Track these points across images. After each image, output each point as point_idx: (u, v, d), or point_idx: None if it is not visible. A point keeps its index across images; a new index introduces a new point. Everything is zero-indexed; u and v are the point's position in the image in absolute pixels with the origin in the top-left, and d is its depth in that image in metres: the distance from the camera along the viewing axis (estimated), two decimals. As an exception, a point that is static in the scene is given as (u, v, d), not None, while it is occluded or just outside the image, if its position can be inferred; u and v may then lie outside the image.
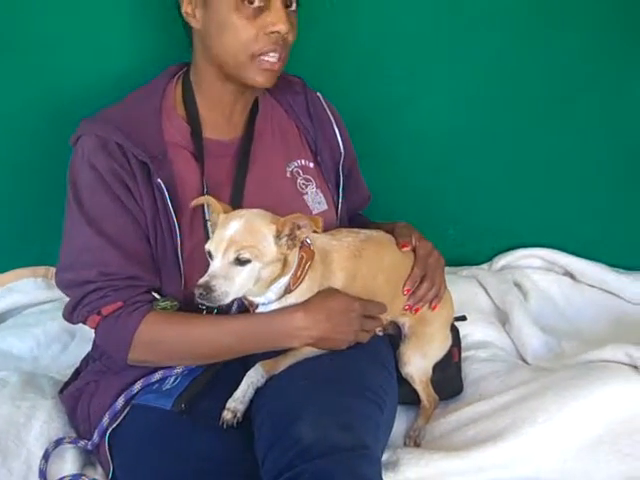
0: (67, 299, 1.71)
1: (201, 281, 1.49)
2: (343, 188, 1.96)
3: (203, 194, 1.71)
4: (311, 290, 1.66)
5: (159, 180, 1.65)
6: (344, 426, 1.47)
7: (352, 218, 2.05)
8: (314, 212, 1.86)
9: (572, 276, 2.54)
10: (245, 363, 1.68)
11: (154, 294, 1.69)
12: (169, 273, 1.70)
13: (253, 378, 1.61)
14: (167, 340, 1.67)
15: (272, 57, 1.70)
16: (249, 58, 1.69)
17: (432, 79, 2.40)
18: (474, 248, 2.64)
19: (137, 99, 1.80)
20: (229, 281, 1.50)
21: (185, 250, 1.69)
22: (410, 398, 1.89)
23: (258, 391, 1.61)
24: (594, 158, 2.51)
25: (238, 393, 1.60)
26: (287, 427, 1.45)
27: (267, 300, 1.65)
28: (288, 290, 1.64)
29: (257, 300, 1.65)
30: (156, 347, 1.67)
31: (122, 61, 2.17)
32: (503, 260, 2.60)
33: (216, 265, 1.51)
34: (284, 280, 1.62)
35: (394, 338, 1.90)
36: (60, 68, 2.15)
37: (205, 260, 1.57)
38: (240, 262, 1.51)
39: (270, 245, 1.54)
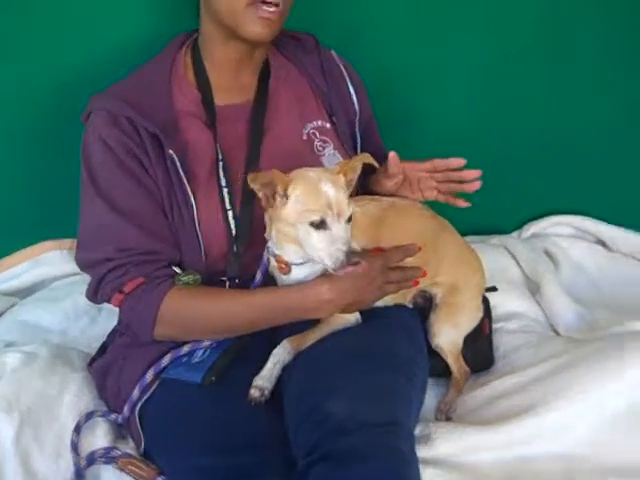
0: (94, 273, 1.69)
1: (345, 249, 1.48)
2: (361, 147, 1.93)
3: (217, 162, 1.70)
4: None
5: (170, 151, 1.63)
6: (376, 401, 1.45)
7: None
8: None
9: (604, 244, 2.49)
10: (275, 333, 1.66)
11: (175, 268, 1.67)
12: (188, 245, 1.68)
13: (280, 356, 1.59)
14: (191, 315, 1.66)
15: (269, 5, 1.65)
16: (245, 7, 1.65)
17: (462, 43, 2.33)
18: (502, 216, 2.58)
19: (147, 70, 1.79)
20: (350, 240, 1.52)
21: (202, 221, 1.67)
22: (440, 370, 1.87)
23: (286, 365, 1.59)
24: (629, 120, 2.45)
25: (265, 371, 1.58)
26: (317, 403, 1.43)
27: (303, 259, 1.61)
28: None
29: (293, 259, 1.61)
30: (181, 322, 1.66)
31: (133, 34, 2.13)
32: (533, 228, 2.55)
33: (340, 232, 1.49)
34: None
35: (423, 310, 1.87)
36: (71, 42, 2.11)
37: (224, 230, 1.65)
38: (349, 219, 1.51)
39: (346, 193, 1.55)
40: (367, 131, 2.01)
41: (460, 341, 1.86)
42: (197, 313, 1.66)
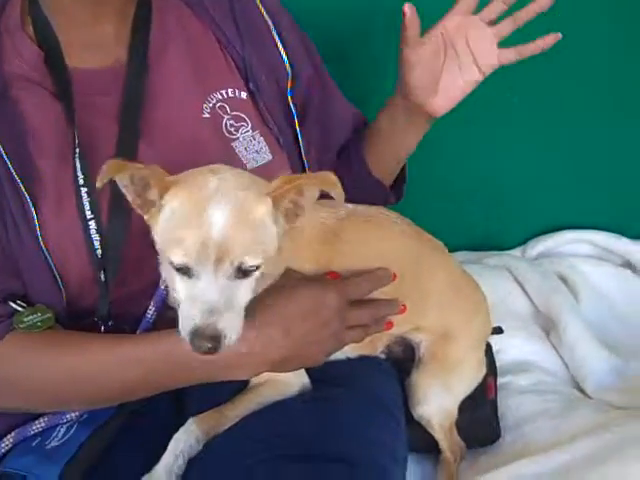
0: None
1: (202, 326, 0.98)
2: (301, 123, 1.43)
3: (73, 150, 1.18)
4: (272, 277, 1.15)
5: None
6: None
7: (346, 155, 1.51)
8: (249, 166, 1.34)
9: (633, 267, 2.02)
10: (178, 397, 1.24)
11: (13, 305, 1.18)
12: (33, 273, 1.18)
13: (183, 443, 1.13)
14: (37, 377, 1.17)
15: None
16: None
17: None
18: (502, 227, 2.16)
19: None
20: (236, 307, 1.01)
21: (50, 237, 1.17)
22: (422, 445, 1.42)
23: (192, 461, 1.12)
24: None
25: (160, 467, 1.11)
26: None
27: None
28: None
29: None
30: (23, 387, 1.18)
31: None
32: (541, 245, 2.08)
33: (210, 289, 0.99)
34: None
35: (400, 363, 1.42)
36: None
37: (85, 249, 1.17)
38: (245, 273, 1.01)
39: (271, 230, 1.05)
40: (313, 97, 1.48)
41: (454, 410, 1.41)
42: (45, 374, 1.16)
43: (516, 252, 2.11)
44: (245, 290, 1.02)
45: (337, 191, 1.01)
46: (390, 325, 1.23)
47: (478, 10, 1.34)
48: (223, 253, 0.98)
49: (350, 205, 1.28)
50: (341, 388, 1.20)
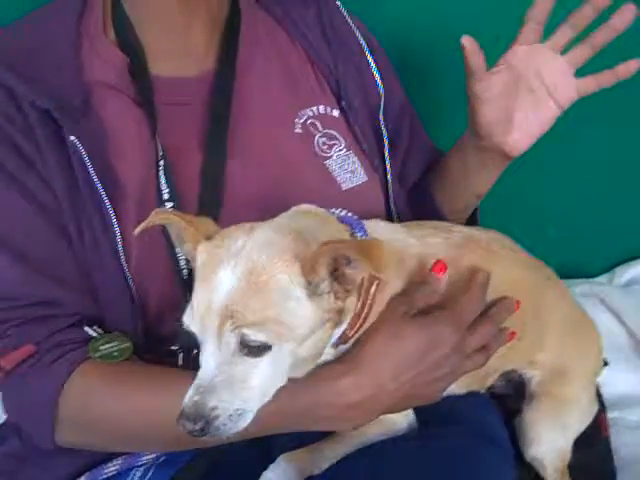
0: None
1: (186, 404, 0.87)
2: (390, 148, 1.35)
3: (157, 161, 1.11)
4: None
5: (72, 137, 1.06)
6: None
7: (417, 190, 1.42)
8: (344, 186, 1.25)
9: None
10: (264, 438, 1.07)
11: (88, 330, 1.08)
12: (110, 293, 1.10)
13: None
14: (111, 414, 1.07)
15: None
16: None
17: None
18: (585, 254, 2.02)
19: (41, 18, 1.21)
20: (240, 391, 0.88)
21: (131, 253, 1.09)
22: None
23: None
24: None
25: None
26: None
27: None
28: (344, 339, 1.01)
29: None
30: (96, 424, 1.08)
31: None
32: (631, 271, 1.96)
33: (209, 363, 0.88)
34: (337, 332, 0.99)
35: (500, 399, 1.30)
36: None
37: (169, 269, 1.08)
38: (252, 350, 0.87)
39: (300, 304, 0.89)
40: (402, 123, 1.40)
41: (569, 450, 1.28)
42: (118, 413, 1.07)
43: (602, 279, 1.98)
44: (262, 371, 0.89)
45: (374, 269, 0.84)
46: (513, 336, 1.08)
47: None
48: (224, 320, 0.86)
49: (464, 228, 1.18)
50: (449, 425, 1.08)
